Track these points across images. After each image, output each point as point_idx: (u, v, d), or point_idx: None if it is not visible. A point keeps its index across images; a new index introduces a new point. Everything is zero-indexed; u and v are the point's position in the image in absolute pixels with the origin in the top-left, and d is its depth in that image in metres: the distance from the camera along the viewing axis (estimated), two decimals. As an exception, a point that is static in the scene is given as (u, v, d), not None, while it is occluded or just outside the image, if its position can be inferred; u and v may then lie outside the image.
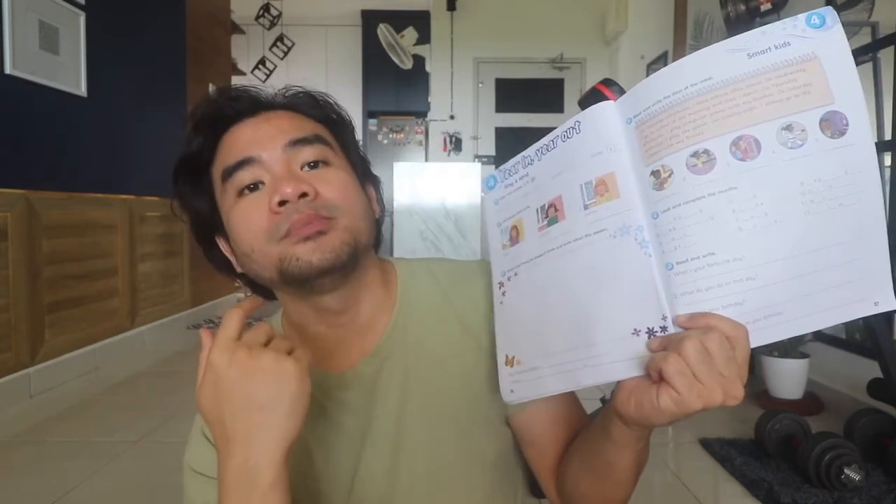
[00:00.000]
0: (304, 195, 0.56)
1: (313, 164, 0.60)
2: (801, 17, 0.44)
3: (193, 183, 0.64)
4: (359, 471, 0.64)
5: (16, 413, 2.35)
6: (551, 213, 0.53)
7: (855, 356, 2.26)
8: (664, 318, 0.46)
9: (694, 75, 0.46)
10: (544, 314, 0.54)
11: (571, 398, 0.68)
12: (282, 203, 0.56)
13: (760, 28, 0.45)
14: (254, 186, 0.59)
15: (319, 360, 0.65)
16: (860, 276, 0.43)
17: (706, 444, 1.99)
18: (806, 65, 0.43)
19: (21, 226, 2.48)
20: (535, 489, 0.74)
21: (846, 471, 1.58)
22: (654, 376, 0.45)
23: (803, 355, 2.33)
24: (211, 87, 4.41)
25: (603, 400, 2.03)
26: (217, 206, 0.63)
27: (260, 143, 0.59)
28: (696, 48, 4.07)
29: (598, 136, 0.50)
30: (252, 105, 0.63)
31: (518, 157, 0.58)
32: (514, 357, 0.57)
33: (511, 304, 0.58)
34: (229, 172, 0.59)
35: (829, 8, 0.44)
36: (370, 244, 0.63)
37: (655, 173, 0.47)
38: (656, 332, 0.46)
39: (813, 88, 0.43)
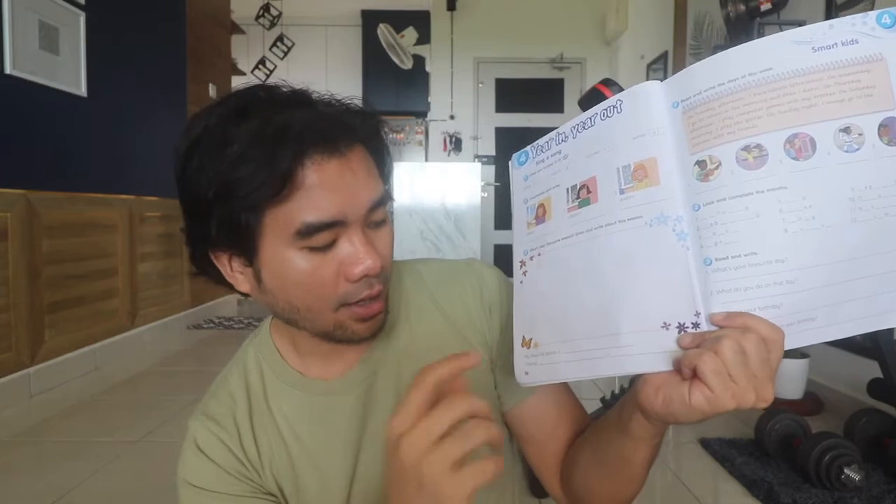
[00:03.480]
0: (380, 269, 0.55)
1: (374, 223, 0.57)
2: (872, 14, 0.42)
3: (244, 207, 0.52)
4: (356, 474, 0.64)
5: (16, 413, 2.35)
6: (583, 195, 0.51)
7: (855, 356, 2.26)
8: (697, 314, 0.44)
9: (753, 64, 0.44)
10: (567, 298, 0.51)
11: (569, 393, 0.68)
12: (364, 277, 0.55)
13: (828, 21, 0.43)
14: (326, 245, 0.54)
15: (314, 369, 0.65)
16: (892, 288, 0.42)
17: (706, 444, 1.99)
18: (871, 65, 0.42)
19: (21, 226, 2.47)
20: (534, 489, 0.74)
21: (846, 471, 1.58)
22: (687, 373, 0.44)
23: (803, 355, 2.33)
24: (211, 88, 4.42)
25: (603, 400, 2.02)
26: (249, 231, 0.53)
27: (348, 204, 0.53)
28: (696, 48, 4.07)
29: (641, 117, 0.48)
30: (339, 132, 0.54)
31: (552, 134, 0.55)
32: (531, 339, 0.55)
33: (532, 285, 0.56)
34: (312, 230, 0.52)
35: None
36: None
37: (701, 163, 0.45)
38: (688, 327, 0.45)
39: (876, 91, 0.41)
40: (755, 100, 0.43)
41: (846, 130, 0.42)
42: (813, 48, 0.43)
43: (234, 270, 0.58)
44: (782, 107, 0.43)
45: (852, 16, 0.42)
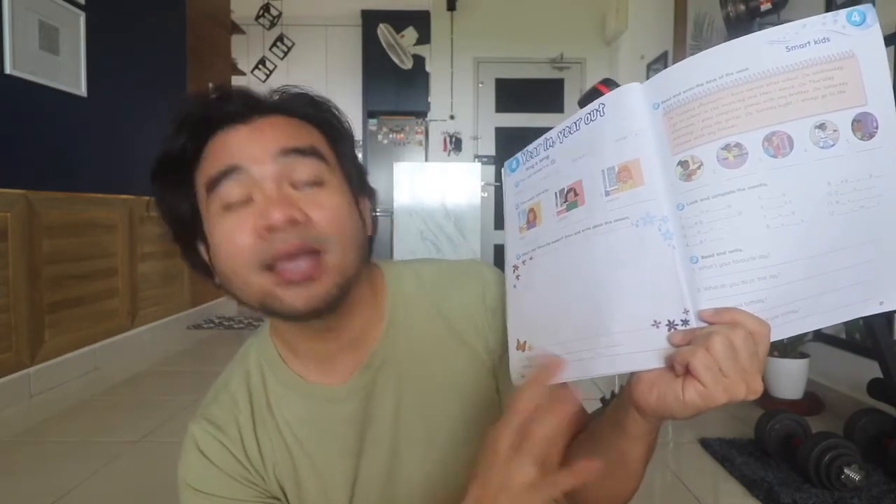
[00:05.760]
0: (293, 221, 0.52)
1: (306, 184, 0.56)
2: (843, 12, 0.43)
3: (174, 184, 0.59)
4: (358, 480, 0.64)
5: (16, 413, 2.35)
6: (571, 198, 0.52)
7: (855, 356, 2.26)
8: (686, 311, 0.46)
9: (730, 65, 0.45)
10: (559, 300, 0.53)
11: None
12: (270, 229, 0.52)
13: (801, 21, 0.44)
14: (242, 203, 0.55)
15: (314, 373, 0.65)
16: (871, 277, 0.43)
17: (706, 444, 1.99)
18: (843, 62, 0.43)
19: (21, 226, 2.47)
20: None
21: (846, 471, 1.58)
22: (680, 370, 0.45)
23: (803, 355, 2.33)
24: (211, 88, 4.41)
25: (603, 400, 2.03)
26: (198, 212, 0.58)
27: (249, 153, 0.55)
28: (696, 48, 4.07)
29: (623, 120, 0.49)
30: (243, 107, 0.58)
31: (541, 139, 0.56)
32: (525, 342, 0.56)
33: (525, 289, 0.57)
34: (214, 183, 0.55)
35: (870, 6, 0.44)
36: (360, 270, 0.59)
37: (683, 163, 0.46)
38: (677, 325, 0.46)
39: (848, 88, 0.43)
40: (733, 100, 0.44)
41: (821, 127, 0.43)
42: (787, 47, 0.44)
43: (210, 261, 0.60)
44: (759, 105, 0.44)
45: (823, 14, 0.44)
